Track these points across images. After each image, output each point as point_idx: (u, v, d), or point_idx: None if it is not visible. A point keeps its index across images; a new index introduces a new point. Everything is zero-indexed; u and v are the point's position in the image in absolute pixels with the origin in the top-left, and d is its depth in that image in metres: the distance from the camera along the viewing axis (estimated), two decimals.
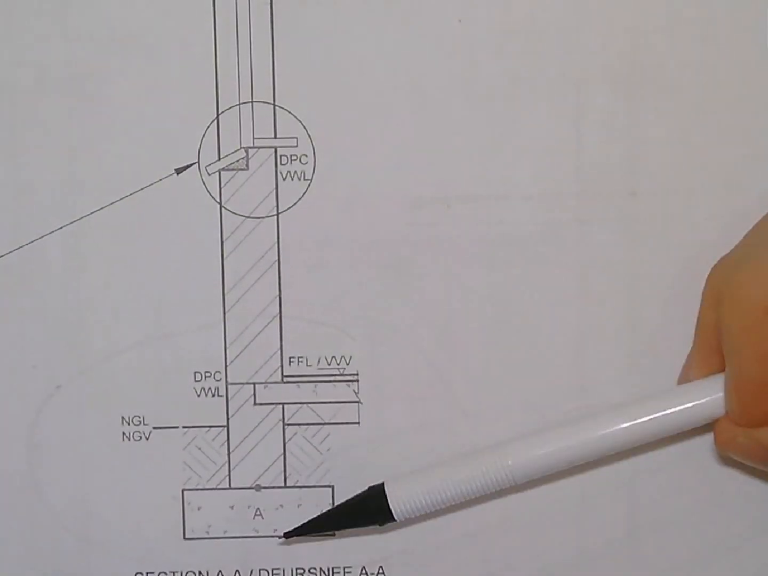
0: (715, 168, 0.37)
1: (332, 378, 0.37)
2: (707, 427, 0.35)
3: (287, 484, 0.38)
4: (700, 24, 0.37)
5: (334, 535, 0.37)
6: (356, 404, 0.37)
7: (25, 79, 0.36)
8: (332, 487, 0.38)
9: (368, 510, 0.36)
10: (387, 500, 0.35)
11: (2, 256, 0.37)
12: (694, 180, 0.37)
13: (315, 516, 0.36)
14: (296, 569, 0.38)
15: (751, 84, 0.37)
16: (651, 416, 0.35)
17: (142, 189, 0.37)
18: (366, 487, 0.36)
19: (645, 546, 0.38)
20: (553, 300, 0.37)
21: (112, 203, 0.37)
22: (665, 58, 0.37)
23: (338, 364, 0.37)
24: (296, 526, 0.36)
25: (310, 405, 0.37)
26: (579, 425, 0.35)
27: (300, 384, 0.37)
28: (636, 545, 0.38)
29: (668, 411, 0.35)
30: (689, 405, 0.35)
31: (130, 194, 0.37)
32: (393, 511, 0.35)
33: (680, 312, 0.37)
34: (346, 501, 0.36)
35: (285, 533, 0.36)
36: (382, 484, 0.36)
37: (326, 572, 0.38)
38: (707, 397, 0.35)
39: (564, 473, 0.37)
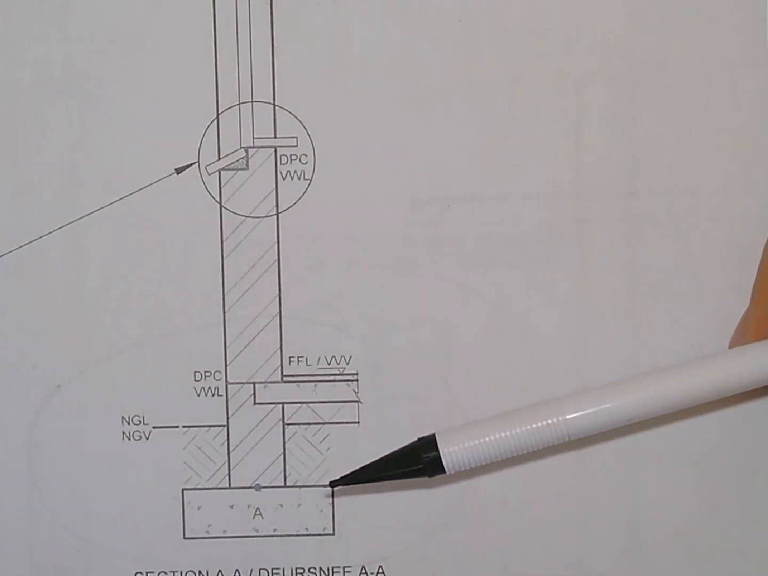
0: (715, 168, 0.37)
1: (332, 377, 0.37)
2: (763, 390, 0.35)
3: (287, 484, 0.38)
4: (700, 24, 0.37)
5: (379, 482, 0.35)
6: (356, 404, 0.37)
7: (25, 79, 0.36)
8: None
9: (418, 461, 0.34)
10: (438, 451, 0.34)
11: (2, 255, 0.37)
12: (694, 180, 0.37)
13: (363, 465, 0.35)
14: (296, 569, 0.38)
15: (751, 84, 0.37)
16: (711, 376, 0.34)
17: (142, 189, 0.37)
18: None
19: (646, 553, 0.38)
20: (553, 300, 0.37)
21: (112, 203, 0.37)
22: (665, 58, 0.37)
23: (338, 364, 0.37)
24: (344, 474, 0.35)
25: (309, 405, 0.37)
26: (636, 382, 0.34)
27: (300, 384, 0.37)
28: (637, 552, 0.38)
29: (731, 371, 0.34)
30: (753, 366, 0.34)
31: (130, 194, 0.37)
32: (444, 463, 0.34)
33: (681, 312, 0.37)
34: (396, 451, 0.35)
35: (331, 482, 0.35)
36: (434, 435, 0.34)
37: (326, 572, 0.38)
38: None
39: (620, 431, 0.36)
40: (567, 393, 0.35)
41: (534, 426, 0.34)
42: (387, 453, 0.35)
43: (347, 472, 0.35)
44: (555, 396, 0.34)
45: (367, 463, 0.35)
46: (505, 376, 0.37)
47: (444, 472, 0.34)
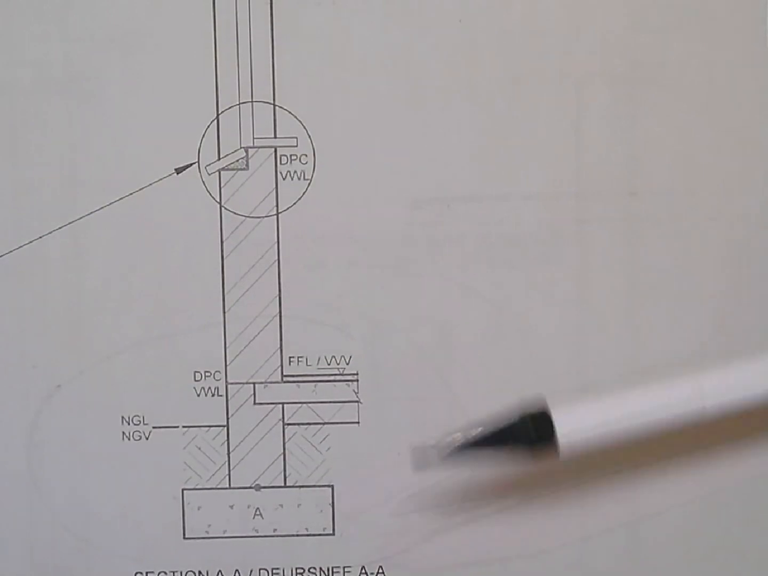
0: (715, 168, 0.37)
1: (332, 378, 0.37)
2: None
3: (287, 484, 0.38)
4: (700, 24, 0.37)
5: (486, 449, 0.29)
6: (356, 404, 0.37)
7: (25, 79, 0.36)
8: (332, 486, 0.38)
9: (530, 440, 0.28)
10: (554, 429, 0.28)
11: (2, 255, 0.37)
12: (694, 180, 0.37)
13: (471, 437, 0.28)
14: (296, 569, 0.38)
15: (751, 84, 0.37)
16: None
17: (142, 189, 0.37)
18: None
19: (646, 553, 0.38)
20: (553, 300, 0.37)
21: (112, 203, 0.37)
22: (665, 58, 0.37)
23: (338, 364, 0.37)
24: (456, 446, 0.28)
25: (309, 405, 0.37)
26: None
27: (300, 384, 0.37)
28: (637, 552, 0.38)
29: None
30: None
31: (130, 194, 0.37)
32: (558, 443, 0.28)
33: (681, 312, 0.37)
34: (503, 424, 0.28)
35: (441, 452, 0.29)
36: (546, 406, 0.29)
37: (326, 572, 0.38)
38: None
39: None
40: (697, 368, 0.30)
41: (663, 403, 0.29)
42: (491, 424, 0.29)
43: (455, 446, 0.29)
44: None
45: (472, 436, 0.29)
46: (505, 376, 0.37)
47: (557, 455, 0.29)
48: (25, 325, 0.37)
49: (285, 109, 0.37)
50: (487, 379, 0.37)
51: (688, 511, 0.38)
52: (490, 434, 0.28)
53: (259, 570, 0.38)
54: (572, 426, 0.29)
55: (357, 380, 0.37)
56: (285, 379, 0.37)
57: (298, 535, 0.38)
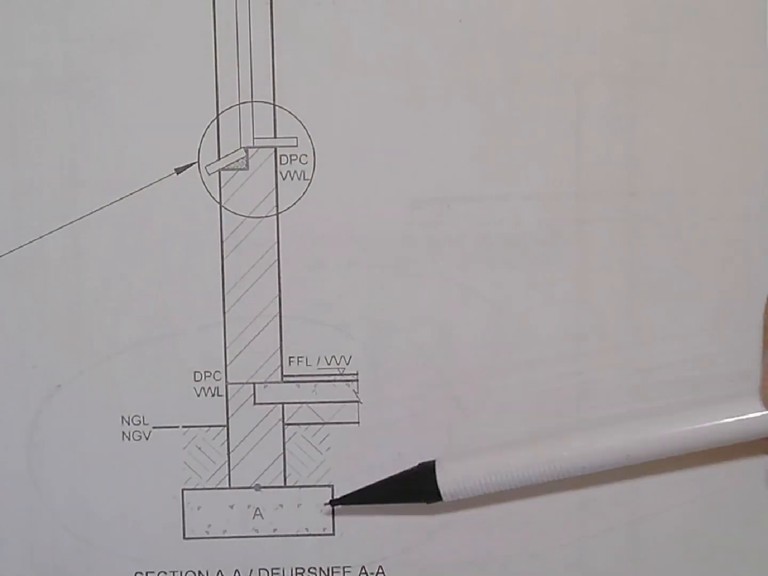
0: (715, 168, 0.37)
1: (332, 378, 0.37)
2: None
3: (287, 484, 0.38)
4: (700, 24, 0.37)
5: (379, 502, 0.37)
6: (356, 404, 0.37)
7: (25, 79, 0.36)
8: (332, 486, 0.38)
9: (416, 487, 0.35)
10: (436, 479, 0.35)
11: (2, 255, 0.37)
12: (694, 180, 0.37)
13: (363, 487, 0.36)
14: (296, 569, 0.38)
15: (751, 84, 0.37)
16: (707, 423, 0.34)
17: (142, 189, 0.37)
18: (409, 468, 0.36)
19: (646, 553, 0.38)
20: (553, 300, 0.37)
21: (112, 203, 0.37)
22: (665, 58, 0.37)
23: (338, 364, 0.37)
24: (344, 494, 0.36)
25: (309, 405, 0.37)
26: (640, 423, 0.34)
27: (300, 384, 0.37)
28: (637, 552, 0.38)
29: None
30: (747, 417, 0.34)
31: (130, 194, 0.37)
32: (441, 492, 0.35)
33: (681, 312, 0.37)
34: (395, 475, 0.36)
35: (331, 501, 0.37)
36: (434, 462, 0.35)
37: (326, 572, 0.38)
38: None
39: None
40: (569, 429, 0.35)
41: (531, 463, 0.35)
42: (386, 477, 0.36)
43: (347, 493, 0.36)
44: (556, 424, 0.36)
45: (366, 485, 0.36)
46: (505, 376, 0.37)
47: (441, 500, 0.35)
48: (25, 325, 0.37)
49: (285, 109, 0.37)
50: (487, 379, 0.37)
51: (688, 511, 0.38)
52: (383, 485, 0.36)
53: (259, 570, 0.38)
54: (452, 477, 0.35)
55: (357, 380, 0.37)
56: (285, 379, 0.37)
57: (298, 535, 0.38)
